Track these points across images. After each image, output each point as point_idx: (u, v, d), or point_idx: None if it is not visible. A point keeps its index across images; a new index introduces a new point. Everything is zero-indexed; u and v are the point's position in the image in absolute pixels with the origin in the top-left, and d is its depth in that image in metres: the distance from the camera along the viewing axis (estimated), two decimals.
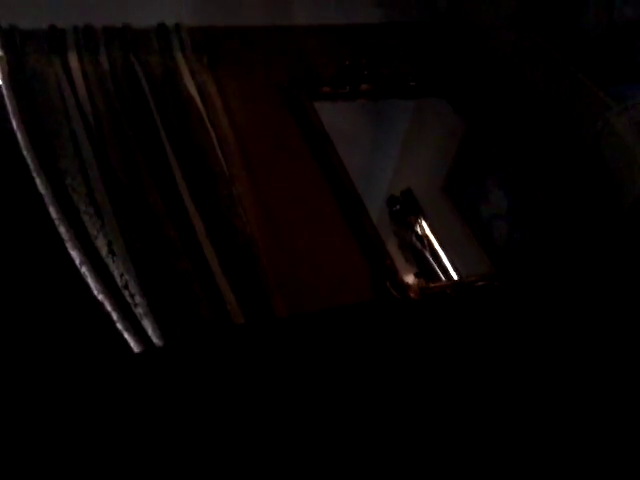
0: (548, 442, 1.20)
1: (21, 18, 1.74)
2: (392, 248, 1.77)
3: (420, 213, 1.93)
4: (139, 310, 1.38)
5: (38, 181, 1.48)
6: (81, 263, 1.40)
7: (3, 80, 1.64)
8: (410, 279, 1.69)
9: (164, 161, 1.63)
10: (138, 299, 1.38)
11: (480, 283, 1.72)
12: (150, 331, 1.37)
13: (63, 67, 1.71)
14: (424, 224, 1.90)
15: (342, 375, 1.25)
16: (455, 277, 1.79)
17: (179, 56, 1.86)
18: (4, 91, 1.62)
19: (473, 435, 1.18)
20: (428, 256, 1.82)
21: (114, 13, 1.86)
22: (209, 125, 1.74)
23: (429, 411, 1.21)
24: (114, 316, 1.37)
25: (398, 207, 1.95)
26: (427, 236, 1.87)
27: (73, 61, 1.73)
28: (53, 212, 1.45)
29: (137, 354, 1.36)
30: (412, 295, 1.58)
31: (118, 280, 1.40)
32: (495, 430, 1.20)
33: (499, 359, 1.35)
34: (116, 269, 1.41)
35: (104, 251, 1.43)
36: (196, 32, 1.95)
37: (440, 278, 1.79)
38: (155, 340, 1.37)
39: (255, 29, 2.21)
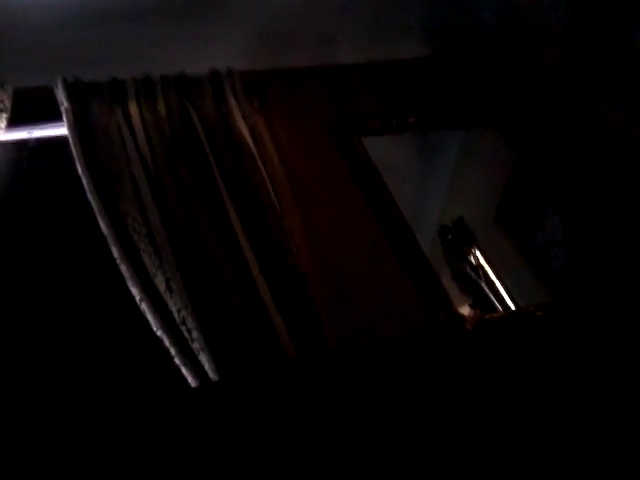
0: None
1: (85, 71, 1.86)
2: (445, 279, 1.74)
3: (473, 242, 1.90)
4: (196, 345, 1.40)
5: (101, 223, 1.56)
6: (141, 300, 1.45)
7: (69, 129, 1.75)
8: (465, 310, 1.65)
9: (219, 200, 1.68)
10: (195, 334, 1.41)
11: (538, 313, 1.66)
12: (206, 366, 1.39)
13: (124, 115, 1.81)
14: (478, 254, 1.86)
15: (394, 409, 1.23)
16: (512, 307, 1.74)
17: (231, 100, 1.94)
18: (70, 139, 1.73)
19: (529, 468, 1.13)
20: (484, 286, 1.78)
21: (170, 62, 1.96)
22: (260, 164, 1.79)
23: (485, 445, 1.16)
24: (172, 351, 1.40)
25: (450, 237, 1.92)
26: (482, 266, 1.83)
27: (133, 109, 1.84)
28: (115, 251, 1.51)
29: (194, 389, 1.39)
30: (468, 327, 1.54)
31: (176, 316, 1.44)
32: (552, 464, 1.14)
33: (559, 392, 1.28)
34: (174, 305, 1.45)
35: (162, 288, 1.47)
36: (247, 75, 2.03)
37: (497, 309, 1.74)
38: (211, 375, 1.39)
39: (302, 69, 2.29)
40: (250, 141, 1.85)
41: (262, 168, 1.79)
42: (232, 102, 1.94)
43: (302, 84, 2.25)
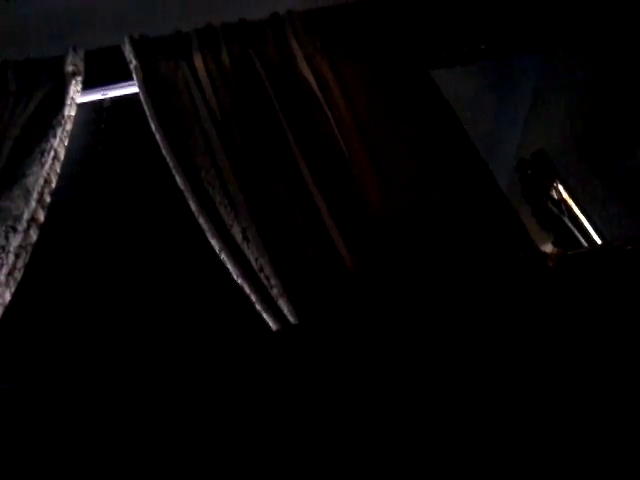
0: None
1: (148, 26, 1.88)
2: (525, 216, 1.67)
3: (555, 176, 1.79)
4: (274, 292, 1.45)
5: (177, 178, 1.61)
6: (220, 250, 1.51)
7: (139, 87, 1.79)
8: (547, 248, 1.58)
9: (286, 147, 1.68)
10: (273, 281, 1.45)
11: (629, 247, 1.56)
12: (286, 310, 1.44)
13: (190, 69, 1.83)
14: (560, 188, 1.76)
15: (469, 350, 1.22)
16: (599, 242, 1.64)
17: (293, 43, 1.90)
18: (141, 97, 1.77)
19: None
20: (567, 222, 1.69)
21: (230, 9, 1.94)
22: (326, 108, 1.76)
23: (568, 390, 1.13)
24: (253, 298, 1.45)
25: (529, 172, 1.82)
26: (565, 200, 1.73)
27: (198, 62, 1.85)
28: (192, 205, 1.57)
29: (275, 332, 1.44)
30: (550, 264, 1.48)
31: (254, 264, 1.48)
32: None
33: None
34: (251, 254, 1.49)
35: (239, 238, 1.52)
36: (307, 16, 1.97)
37: (582, 245, 1.65)
38: (291, 319, 1.43)
39: (362, 4, 2.18)
40: (315, 85, 1.81)
41: (328, 112, 1.75)
42: (294, 45, 1.90)
43: (364, 20, 2.15)
